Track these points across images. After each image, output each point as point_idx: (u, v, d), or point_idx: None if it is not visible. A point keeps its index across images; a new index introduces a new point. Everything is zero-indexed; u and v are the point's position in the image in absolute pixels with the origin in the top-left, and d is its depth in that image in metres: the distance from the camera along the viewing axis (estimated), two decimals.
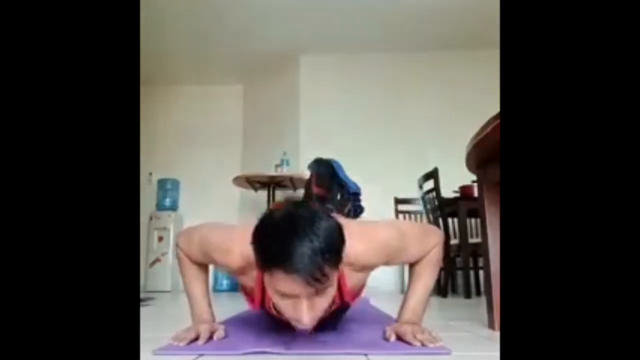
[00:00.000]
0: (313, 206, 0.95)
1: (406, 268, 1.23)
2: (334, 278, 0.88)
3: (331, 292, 0.90)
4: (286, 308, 0.88)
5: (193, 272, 1.22)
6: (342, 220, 0.96)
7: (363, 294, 1.35)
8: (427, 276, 1.17)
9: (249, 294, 1.15)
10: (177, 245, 1.24)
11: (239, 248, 1.01)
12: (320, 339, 1.11)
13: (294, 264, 0.80)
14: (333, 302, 0.99)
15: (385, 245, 1.09)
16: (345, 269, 1.01)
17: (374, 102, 4.29)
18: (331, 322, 1.23)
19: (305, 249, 0.80)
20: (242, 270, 1.07)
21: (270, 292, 0.89)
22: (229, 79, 4.92)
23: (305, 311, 0.86)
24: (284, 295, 0.86)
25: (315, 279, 0.82)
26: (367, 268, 1.11)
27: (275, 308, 0.99)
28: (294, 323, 0.91)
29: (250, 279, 1.07)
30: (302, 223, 0.83)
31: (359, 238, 1.02)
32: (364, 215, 1.86)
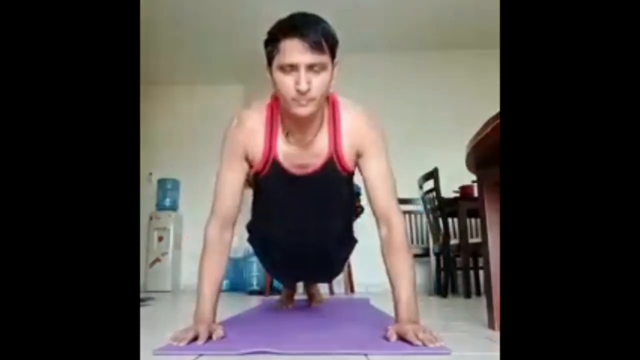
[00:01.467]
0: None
1: (382, 256, 1.25)
2: (329, 65, 1.08)
3: (325, 76, 1.08)
4: (288, 84, 1.06)
5: (209, 265, 1.21)
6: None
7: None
8: (407, 266, 1.18)
9: (255, 170, 1.27)
10: (206, 227, 1.26)
11: (245, 115, 1.25)
12: (320, 339, 1.11)
13: (300, 27, 1.03)
14: (327, 151, 1.22)
15: (375, 126, 1.26)
16: (342, 142, 1.23)
17: (373, 101, 4.24)
18: (324, 178, 1.28)
19: (311, 19, 1.07)
20: (252, 135, 1.22)
21: (275, 72, 1.08)
22: (229, 79, 4.92)
23: (303, 79, 1.04)
24: (287, 69, 1.04)
25: (317, 45, 1.03)
26: (356, 147, 1.24)
27: (276, 159, 1.22)
28: (293, 105, 1.08)
29: (258, 146, 1.23)
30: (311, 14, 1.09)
31: (360, 109, 1.28)
32: (364, 215, 1.86)
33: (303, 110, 1.09)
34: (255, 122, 1.24)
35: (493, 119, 1.14)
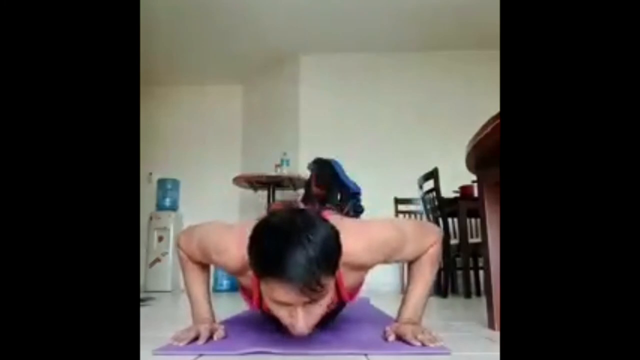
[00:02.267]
0: (312, 208, 0.95)
1: (406, 268, 1.24)
2: (330, 286, 0.88)
3: (327, 299, 0.90)
4: (282, 315, 0.89)
5: (194, 272, 1.22)
6: (340, 219, 0.96)
7: (362, 293, 1.35)
8: (426, 275, 1.17)
9: (247, 294, 1.15)
10: (177, 245, 1.24)
11: (237, 248, 1.01)
12: (320, 339, 1.11)
13: (289, 274, 0.80)
14: (331, 302, 0.99)
15: (383, 244, 1.09)
16: (342, 269, 1.00)
17: (373, 102, 4.28)
18: (329, 320, 1.24)
19: (300, 258, 0.80)
20: (240, 271, 1.07)
21: (266, 298, 0.90)
22: (229, 79, 4.92)
23: (300, 319, 0.87)
24: (279, 303, 0.87)
25: (311, 289, 0.81)
26: (365, 267, 1.11)
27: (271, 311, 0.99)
28: (290, 329, 0.91)
29: (248, 279, 1.07)
30: (297, 231, 0.83)
31: (356, 237, 1.02)
32: (364, 215, 1.86)
33: (302, 334, 0.90)
34: (246, 262, 0.95)
35: (493, 119, 1.14)
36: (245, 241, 0.88)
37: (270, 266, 0.82)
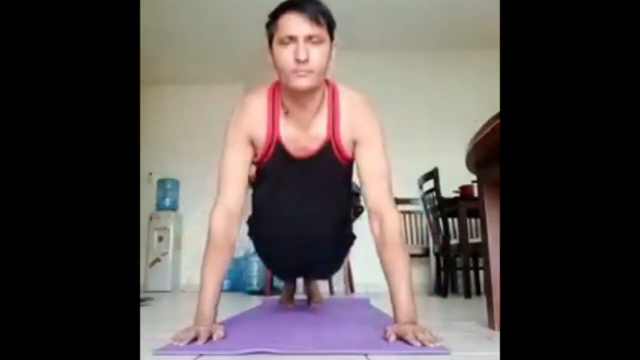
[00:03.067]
0: None
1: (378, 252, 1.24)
2: (327, 39, 1.13)
3: (323, 49, 1.12)
4: (287, 57, 1.10)
5: (213, 261, 1.19)
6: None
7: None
8: (402, 263, 1.17)
9: (259, 156, 1.28)
10: (210, 216, 1.24)
11: (247, 99, 1.31)
12: (320, 339, 1.11)
13: (300, 7, 1.09)
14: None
15: (374, 113, 1.29)
16: (340, 125, 1.24)
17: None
18: (322, 162, 1.29)
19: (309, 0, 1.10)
20: (255, 117, 1.25)
21: (275, 48, 1.13)
22: (229, 78, 4.92)
23: (302, 48, 1.08)
24: (286, 42, 1.09)
25: (314, 19, 1.08)
26: (355, 128, 1.25)
27: (280, 142, 1.25)
28: (293, 78, 1.11)
29: (260, 125, 1.25)
30: None
31: (362, 94, 1.30)
32: (365, 216, 1.86)
33: (302, 82, 1.12)
34: (257, 107, 1.27)
35: (493, 119, 1.14)
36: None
37: (288, 3, 1.12)
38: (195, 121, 4.97)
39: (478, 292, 3.17)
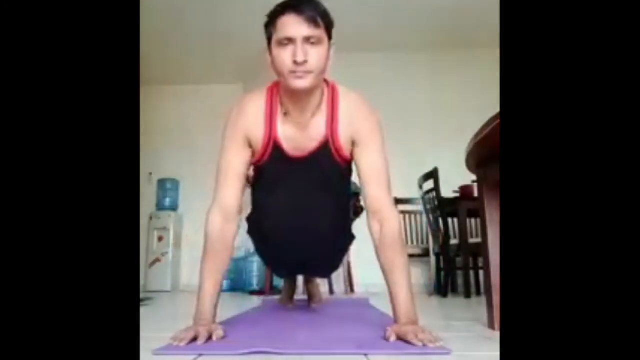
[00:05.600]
0: None
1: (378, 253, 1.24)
2: (325, 40, 1.13)
3: (322, 50, 1.12)
4: (285, 58, 1.10)
5: (211, 263, 1.19)
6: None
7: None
8: (402, 263, 1.17)
9: (257, 156, 1.28)
10: (207, 215, 1.24)
11: (246, 99, 1.31)
12: (320, 339, 1.11)
13: (299, 8, 1.09)
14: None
15: (373, 115, 1.29)
16: (338, 125, 1.24)
17: (373, 101, 4.28)
18: (320, 162, 1.29)
19: (307, 0, 1.11)
20: (253, 117, 1.25)
21: (274, 49, 1.13)
22: (229, 79, 4.92)
23: (300, 50, 1.08)
24: (285, 43, 1.09)
25: (312, 20, 1.08)
26: (353, 130, 1.25)
27: (277, 140, 1.24)
28: (291, 78, 1.11)
29: (258, 125, 1.25)
30: None
31: (361, 95, 1.31)
32: (364, 216, 1.86)
33: (301, 83, 1.12)
34: (255, 107, 1.27)
35: (493, 119, 1.14)
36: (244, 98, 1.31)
37: (286, 5, 1.11)
38: (195, 121, 4.97)
39: (478, 292, 3.17)
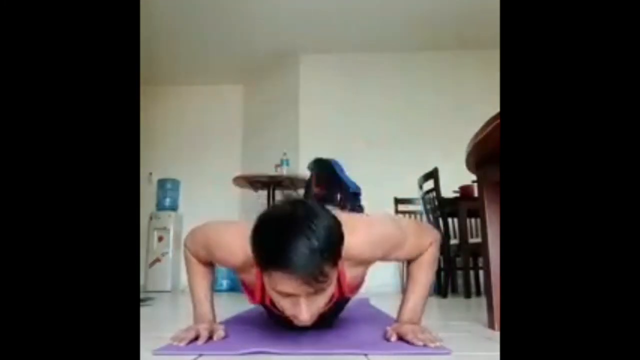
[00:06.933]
0: (312, 202, 0.96)
1: (405, 268, 1.25)
2: (333, 276, 0.88)
3: (330, 290, 0.90)
4: (285, 306, 0.89)
5: (199, 272, 1.22)
6: (341, 214, 0.96)
7: (362, 294, 1.35)
8: (425, 276, 1.18)
9: (249, 289, 1.16)
10: (184, 245, 1.24)
11: (240, 245, 0.99)
12: (320, 339, 1.11)
13: (293, 265, 0.79)
14: (332, 296, 0.99)
15: (383, 239, 1.09)
16: (344, 263, 1.01)
17: (373, 102, 4.28)
18: (330, 316, 1.24)
19: (303, 249, 0.79)
20: (242, 267, 1.07)
21: (269, 290, 0.90)
22: (229, 79, 4.92)
23: (304, 309, 0.86)
24: (283, 295, 0.86)
25: (315, 279, 0.81)
26: (366, 262, 1.11)
27: (274, 304, 0.99)
28: (293, 320, 0.91)
29: (250, 275, 1.07)
30: (300, 221, 0.83)
31: (357, 232, 1.02)
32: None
33: (306, 323, 0.91)
34: (249, 257, 0.94)
35: (493, 119, 1.14)
36: (247, 235, 0.87)
37: (274, 258, 0.81)
38: (195, 121, 4.97)
39: (478, 292, 3.17)
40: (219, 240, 1.11)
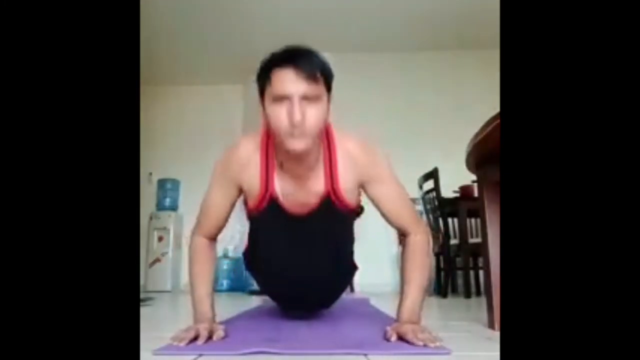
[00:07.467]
0: None
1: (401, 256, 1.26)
2: (324, 96, 1.04)
3: (321, 108, 1.03)
4: (281, 117, 1.01)
5: (200, 268, 1.22)
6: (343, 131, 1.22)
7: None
8: (419, 271, 1.19)
9: (252, 196, 1.23)
10: (192, 234, 1.28)
11: (240, 142, 1.21)
12: (320, 338, 1.11)
13: (293, 60, 1.00)
14: (324, 180, 1.17)
15: (373, 151, 1.21)
16: (339, 168, 1.18)
17: (373, 102, 4.29)
18: (323, 228, 1.26)
19: (304, 51, 1.04)
20: (247, 165, 1.19)
21: (268, 105, 1.04)
22: (229, 79, 4.92)
23: (297, 110, 0.98)
24: (280, 100, 1.00)
25: (310, 74, 0.99)
26: (357, 171, 1.19)
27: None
28: (287, 140, 1.02)
29: (253, 178, 1.19)
30: (305, 48, 1.05)
31: (352, 137, 1.21)
32: (365, 216, 1.86)
33: (298, 145, 1.02)
34: (250, 152, 1.20)
35: (493, 119, 1.14)
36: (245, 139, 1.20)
37: (279, 57, 1.03)
38: (195, 121, 4.97)
39: (478, 292, 3.17)
40: (222, 159, 1.24)
